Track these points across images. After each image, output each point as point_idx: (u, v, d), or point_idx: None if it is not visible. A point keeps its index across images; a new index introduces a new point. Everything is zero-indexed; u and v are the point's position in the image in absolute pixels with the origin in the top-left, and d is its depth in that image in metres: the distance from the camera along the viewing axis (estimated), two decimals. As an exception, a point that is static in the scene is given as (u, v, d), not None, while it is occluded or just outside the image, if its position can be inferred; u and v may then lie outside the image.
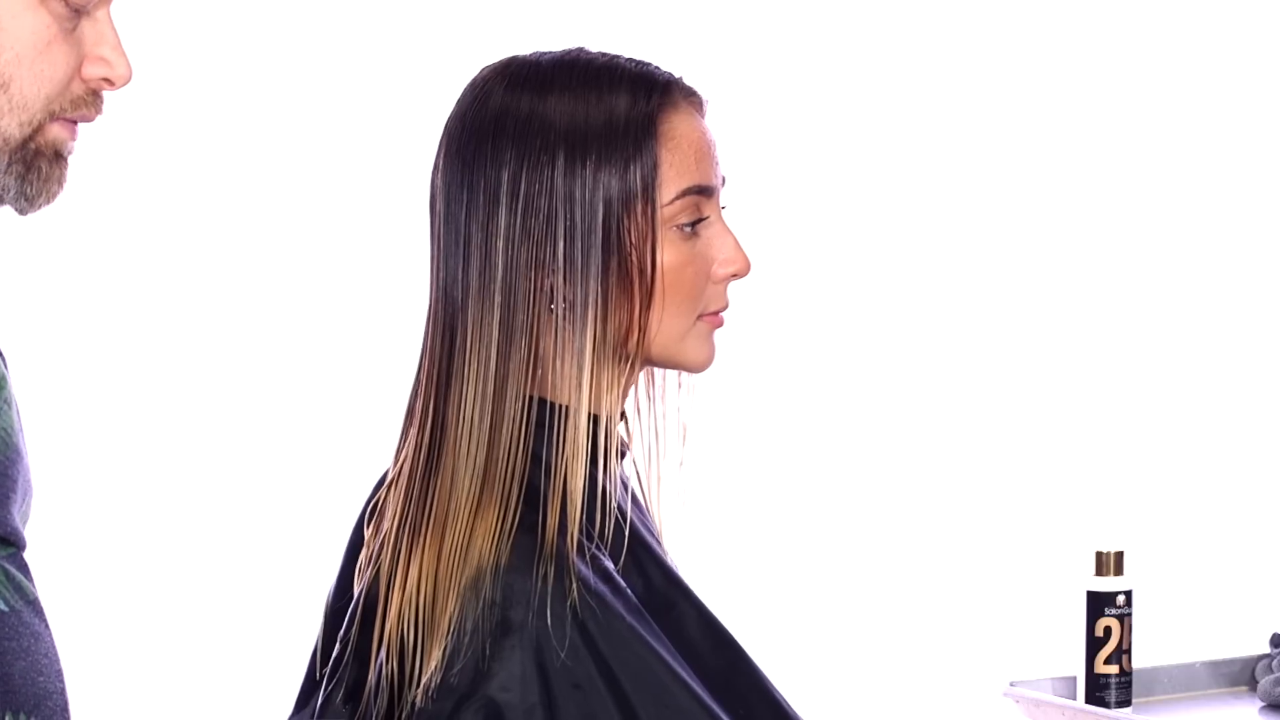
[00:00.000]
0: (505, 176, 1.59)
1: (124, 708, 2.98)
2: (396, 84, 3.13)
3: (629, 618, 1.54)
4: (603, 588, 1.54)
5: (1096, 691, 2.58)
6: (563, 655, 1.51)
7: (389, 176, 3.10)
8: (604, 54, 1.64)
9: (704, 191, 1.60)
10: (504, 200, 1.59)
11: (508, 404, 1.58)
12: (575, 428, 1.58)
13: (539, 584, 1.52)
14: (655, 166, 1.58)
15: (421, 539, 1.56)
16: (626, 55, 1.64)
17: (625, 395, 1.64)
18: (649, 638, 1.54)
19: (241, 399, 3.05)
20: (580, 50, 1.64)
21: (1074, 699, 2.62)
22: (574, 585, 1.52)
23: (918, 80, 3.49)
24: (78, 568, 2.96)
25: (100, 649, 2.95)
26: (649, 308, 1.59)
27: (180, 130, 3.04)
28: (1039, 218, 3.58)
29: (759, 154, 3.32)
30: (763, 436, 3.25)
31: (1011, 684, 2.64)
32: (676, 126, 1.60)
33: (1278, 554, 3.62)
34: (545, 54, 1.64)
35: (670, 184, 1.59)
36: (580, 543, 1.55)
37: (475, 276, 1.60)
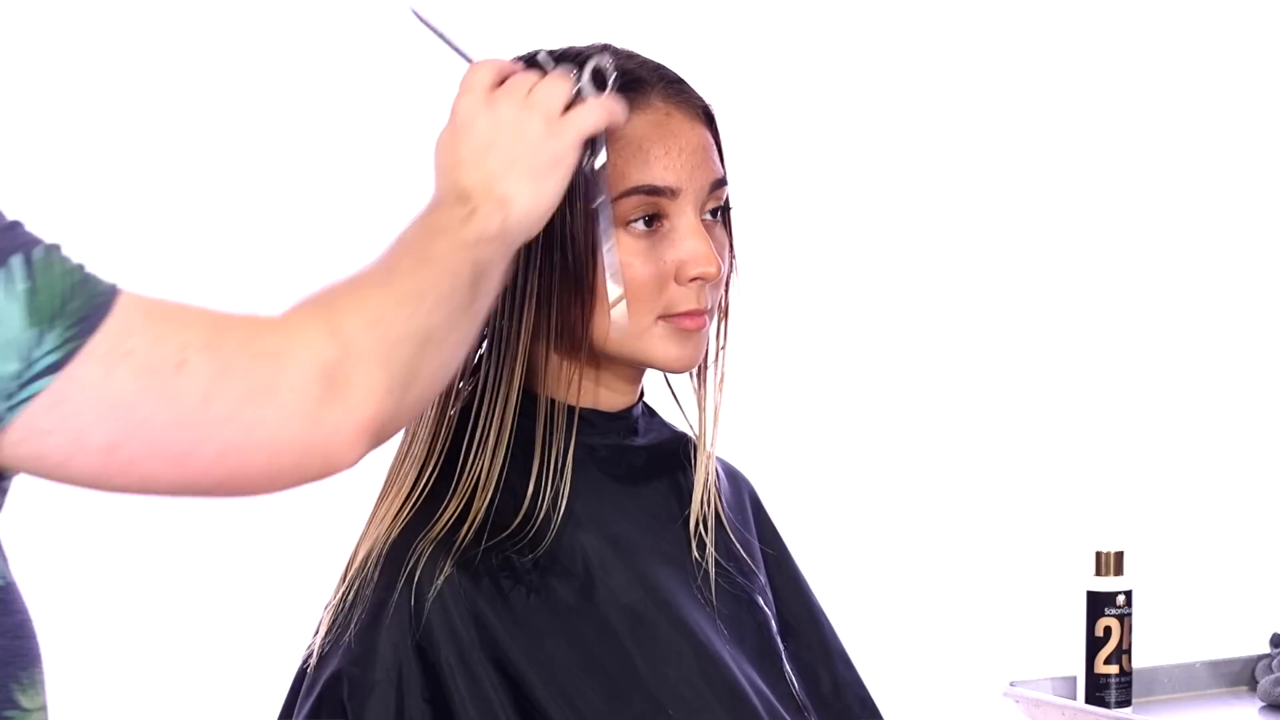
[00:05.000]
0: None
1: (119, 709, 2.98)
2: (397, 85, 3.13)
3: (527, 607, 1.55)
4: (499, 575, 1.56)
5: (1096, 691, 2.58)
6: (420, 636, 1.53)
7: (385, 176, 3.10)
8: (608, 48, 1.63)
9: (656, 192, 1.58)
10: None
11: (453, 390, 1.61)
12: (499, 417, 1.59)
13: (410, 564, 1.54)
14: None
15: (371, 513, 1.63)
16: (644, 55, 1.63)
17: (604, 385, 1.64)
18: (548, 629, 1.55)
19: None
20: (599, 47, 1.63)
21: (1074, 699, 2.62)
22: (447, 567, 1.53)
23: (920, 81, 3.49)
24: (73, 567, 2.96)
25: (99, 651, 2.95)
26: (592, 304, 1.58)
27: (180, 130, 3.04)
28: (1039, 219, 3.59)
29: (762, 155, 3.32)
30: (763, 436, 3.25)
31: (1011, 684, 2.64)
32: (636, 125, 1.58)
33: (1278, 554, 3.63)
34: (567, 48, 1.64)
35: (616, 182, 1.57)
36: (480, 529, 1.56)
37: None
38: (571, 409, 1.62)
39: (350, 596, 1.56)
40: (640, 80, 1.60)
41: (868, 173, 3.47)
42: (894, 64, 3.48)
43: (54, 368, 1.20)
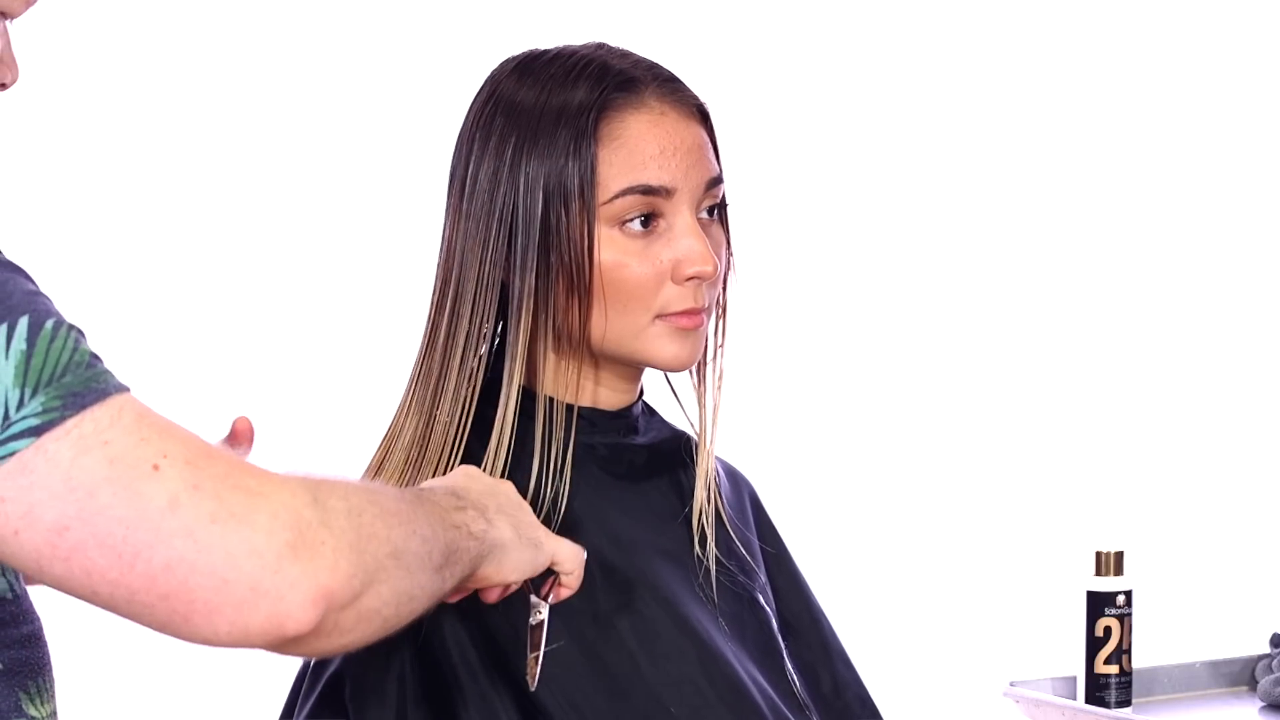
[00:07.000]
0: (470, 166, 1.61)
1: (122, 708, 2.98)
2: (396, 85, 3.13)
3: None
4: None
5: (1096, 691, 2.57)
6: (421, 636, 1.53)
7: (385, 175, 3.10)
8: (601, 47, 1.63)
9: (653, 191, 1.58)
10: (465, 187, 1.61)
11: (447, 386, 1.60)
12: (500, 417, 1.59)
13: None
14: (594, 164, 1.57)
15: None
16: (638, 53, 1.63)
17: (603, 384, 1.64)
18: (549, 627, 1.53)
19: (243, 397, 3.05)
20: (593, 46, 1.63)
21: (1074, 699, 2.62)
22: None
23: (917, 78, 3.50)
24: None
25: (101, 651, 2.96)
26: (589, 305, 1.58)
27: (182, 130, 3.04)
28: (1039, 219, 3.59)
29: (760, 152, 3.33)
30: (763, 436, 3.25)
31: (1011, 684, 2.64)
32: (630, 125, 1.58)
33: (1278, 554, 3.63)
34: (562, 47, 1.64)
35: (611, 182, 1.57)
36: None
37: (439, 259, 1.63)
38: (571, 407, 1.62)
39: None
40: (634, 79, 1.60)
41: (867, 169, 3.47)
42: (891, 60, 3.48)
43: (32, 432, 1.17)
